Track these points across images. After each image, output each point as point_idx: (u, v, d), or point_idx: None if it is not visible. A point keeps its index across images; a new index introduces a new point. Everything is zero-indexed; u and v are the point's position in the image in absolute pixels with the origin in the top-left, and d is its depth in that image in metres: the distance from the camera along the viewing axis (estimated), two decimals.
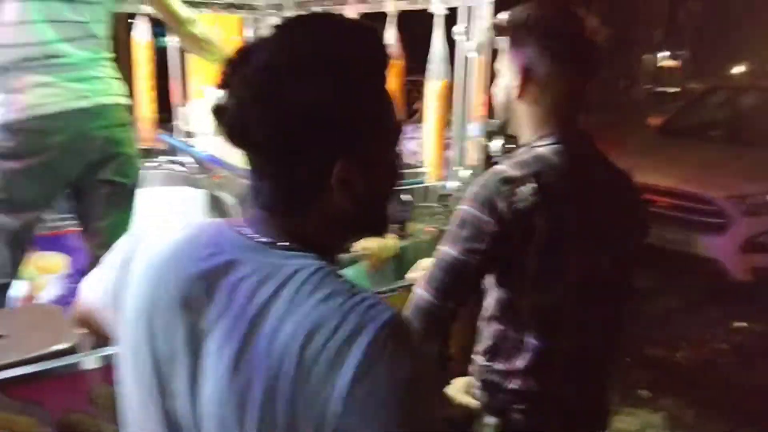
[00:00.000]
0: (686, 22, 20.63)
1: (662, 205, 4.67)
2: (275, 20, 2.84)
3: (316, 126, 0.73)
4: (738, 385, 3.55)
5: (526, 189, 1.16)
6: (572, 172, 1.21)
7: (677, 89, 17.88)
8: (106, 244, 2.00)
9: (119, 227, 1.96)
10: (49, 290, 2.17)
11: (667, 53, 23.74)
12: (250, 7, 2.83)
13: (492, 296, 1.28)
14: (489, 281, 1.27)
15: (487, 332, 1.30)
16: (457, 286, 1.22)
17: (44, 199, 1.86)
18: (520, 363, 1.25)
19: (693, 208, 4.56)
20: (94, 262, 1.98)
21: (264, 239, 0.79)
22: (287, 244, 0.78)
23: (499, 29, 1.27)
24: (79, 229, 2.03)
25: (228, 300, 0.75)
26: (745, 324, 4.26)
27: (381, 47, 0.78)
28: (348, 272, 2.10)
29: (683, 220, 4.58)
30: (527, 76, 1.21)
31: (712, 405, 3.34)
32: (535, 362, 1.24)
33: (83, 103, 1.84)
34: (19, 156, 1.74)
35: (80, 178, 1.89)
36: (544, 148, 1.21)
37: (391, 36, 2.04)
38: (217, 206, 2.68)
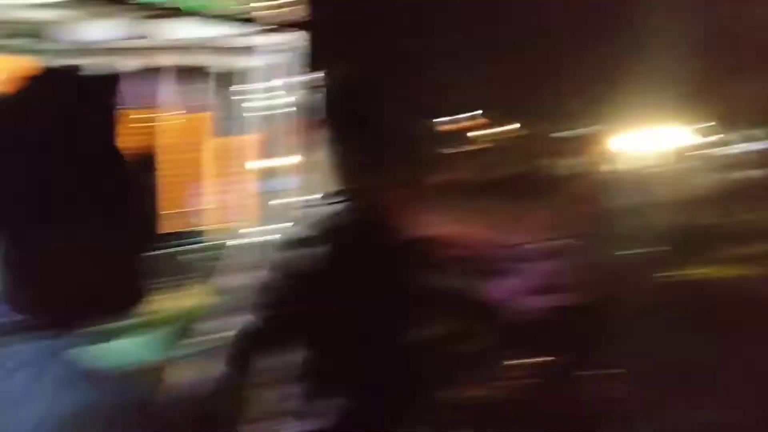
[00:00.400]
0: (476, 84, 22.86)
1: (454, 255, 5.00)
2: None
3: None
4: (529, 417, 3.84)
5: (320, 249, 1.16)
6: (361, 230, 1.24)
7: (475, 147, 19.73)
8: None
9: None
10: None
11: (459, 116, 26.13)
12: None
13: (286, 358, 1.23)
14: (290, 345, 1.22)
15: (287, 394, 1.25)
16: (260, 353, 1.19)
17: None
18: (330, 420, 1.22)
19: (483, 257, 4.93)
20: None
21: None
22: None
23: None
24: None
25: None
26: (534, 360, 4.65)
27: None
28: (147, 338, 1.92)
29: (473, 267, 4.94)
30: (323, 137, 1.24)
31: None
32: (345, 416, 1.23)
33: None
34: None
35: None
36: (337, 206, 1.23)
37: (173, 92, 1.96)
38: None
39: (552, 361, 4.71)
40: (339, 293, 1.19)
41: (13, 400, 0.64)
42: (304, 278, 1.15)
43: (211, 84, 1.65)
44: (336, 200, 1.23)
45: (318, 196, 1.26)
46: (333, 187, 1.24)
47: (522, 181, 6.47)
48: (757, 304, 6.06)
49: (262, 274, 1.16)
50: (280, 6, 1.46)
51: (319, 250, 1.15)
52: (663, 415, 3.87)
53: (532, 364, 4.61)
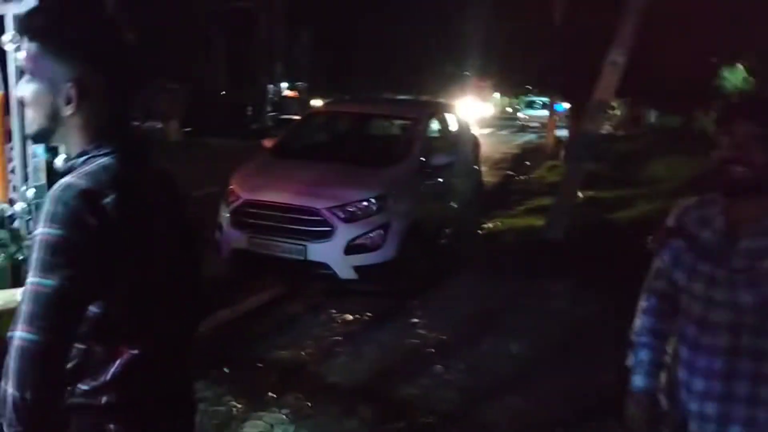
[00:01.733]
0: (301, 56, 22.90)
1: (278, 219, 5.06)
2: None
3: None
4: (357, 368, 4.06)
5: (110, 201, 1.13)
6: (140, 182, 1.23)
7: (296, 116, 19.76)
8: None
9: None
10: None
11: (287, 84, 26.05)
12: None
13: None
14: None
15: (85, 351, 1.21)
16: (67, 318, 1.10)
17: None
18: (110, 377, 1.21)
19: (303, 220, 5.04)
20: None
21: None
22: None
23: (34, 38, 1.20)
24: None
25: None
26: (354, 317, 4.90)
27: None
28: None
29: (296, 230, 5.04)
30: (81, 90, 1.18)
31: (329, 390, 3.74)
32: (127, 372, 1.22)
33: None
34: None
35: None
36: (107, 158, 1.20)
37: None
38: None
39: None
40: (137, 243, 1.18)
41: None
42: (100, 233, 1.11)
43: None
44: (106, 152, 1.20)
45: (80, 149, 1.21)
46: (98, 141, 1.21)
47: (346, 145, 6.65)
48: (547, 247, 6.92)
49: (46, 233, 1.08)
50: None
51: (107, 202, 1.12)
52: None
53: (352, 320, 4.84)
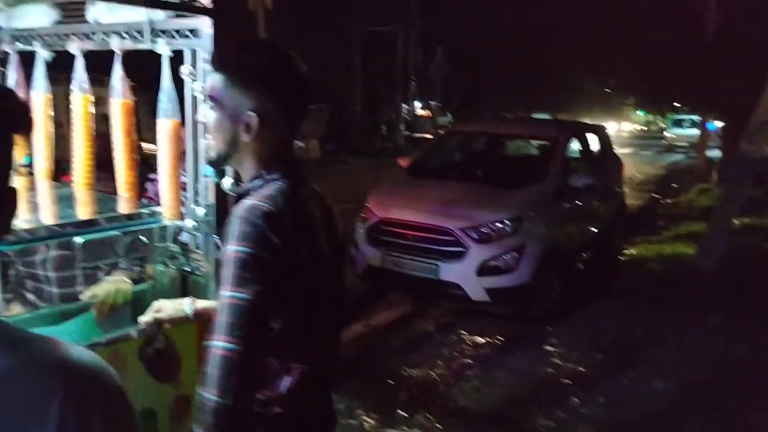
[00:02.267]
0: (435, 75, 23.16)
1: (412, 238, 5.13)
2: None
3: None
4: (488, 393, 4.00)
5: (288, 221, 1.23)
6: (306, 203, 1.33)
7: (429, 135, 19.97)
8: None
9: None
10: None
11: (420, 103, 26.48)
12: None
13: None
14: None
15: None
16: (258, 329, 1.20)
17: None
18: (285, 390, 1.29)
19: (436, 239, 5.07)
20: None
21: None
22: None
23: (221, 71, 1.32)
24: None
25: None
26: (485, 339, 4.83)
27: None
28: (74, 322, 1.94)
29: (430, 250, 5.07)
30: (260, 118, 1.29)
31: (460, 414, 3.71)
32: (299, 386, 1.29)
33: None
34: None
35: None
36: (281, 182, 1.30)
37: (117, 75, 1.99)
38: None
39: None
40: (309, 262, 1.27)
41: None
42: (282, 250, 1.22)
43: (162, 67, 1.69)
44: (278, 177, 1.31)
45: (253, 175, 1.32)
46: (271, 167, 1.31)
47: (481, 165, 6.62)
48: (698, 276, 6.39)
49: (237, 251, 1.19)
50: None
51: (286, 222, 1.23)
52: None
53: (485, 343, 4.78)
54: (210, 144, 1.36)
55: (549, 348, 4.66)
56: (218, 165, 1.40)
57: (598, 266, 6.72)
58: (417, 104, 26.51)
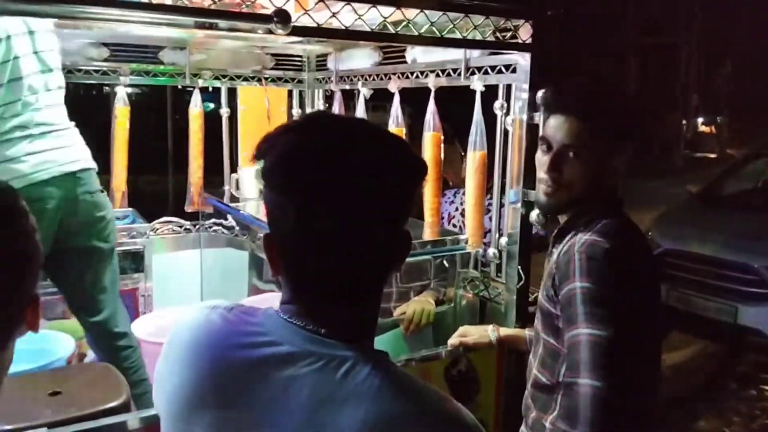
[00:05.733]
0: (722, 86, 20.67)
1: (703, 274, 4.60)
2: (320, 93, 3.01)
3: (383, 218, 0.78)
4: None
5: (634, 257, 1.27)
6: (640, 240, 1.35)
7: (712, 154, 17.77)
8: (96, 308, 1.99)
9: (105, 289, 2.00)
10: None
11: (702, 119, 23.79)
12: (298, 81, 2.98)
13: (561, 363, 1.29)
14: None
15: (558, 396, 1.30)
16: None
17: None
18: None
19: (735, 277, 4.47)
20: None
21: (317, 329, 0.76)
22: (339, 334, 0.76)
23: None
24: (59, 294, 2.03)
25: (283, 394, 0.74)
26: None
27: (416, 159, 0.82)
28: (385, 337, 2.12)
29: (725, 288, 4.49)
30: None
31: None
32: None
33: (71, 168, 1.88)
34: None
35: (55, 244, 1.85)
36: (617, 218, 1.31)
37: (431, 110, 2.14)
38: (258, 266, 2.76)
39: None
40: (649, 302, 1.26)
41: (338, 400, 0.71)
42: (632, 288, 1.22)
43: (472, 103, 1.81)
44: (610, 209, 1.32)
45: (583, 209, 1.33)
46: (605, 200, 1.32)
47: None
48: None
49: (587, 287, 1.19)
50: (505, 29, 1.53)
51: (625, 261, 1.22)
52: None
53: None
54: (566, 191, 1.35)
55: None
56: (556, 213, 1.41)
57: None
58: (699, 120, 23.90)
